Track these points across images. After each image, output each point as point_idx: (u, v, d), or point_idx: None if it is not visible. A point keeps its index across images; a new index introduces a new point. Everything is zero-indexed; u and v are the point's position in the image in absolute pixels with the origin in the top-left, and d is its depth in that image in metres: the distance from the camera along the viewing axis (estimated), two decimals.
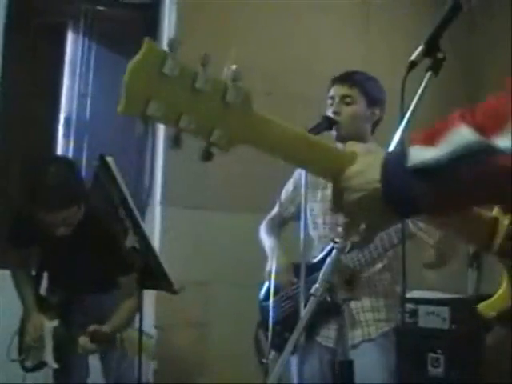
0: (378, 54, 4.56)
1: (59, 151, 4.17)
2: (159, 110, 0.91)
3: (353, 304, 2.61)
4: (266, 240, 2.93)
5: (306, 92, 3.98)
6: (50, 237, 2.83)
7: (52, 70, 4.22)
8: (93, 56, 4.28)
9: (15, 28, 4.03)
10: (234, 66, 0.97)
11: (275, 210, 2.97)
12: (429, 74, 1.49)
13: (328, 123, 2.63)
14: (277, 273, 2.68)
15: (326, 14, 4.51)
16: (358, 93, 2.69)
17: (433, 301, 3.69)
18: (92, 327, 2.82)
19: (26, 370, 3.05)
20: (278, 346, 2.53)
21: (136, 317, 2.71)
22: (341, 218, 2.50)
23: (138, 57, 0.92)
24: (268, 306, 2.85)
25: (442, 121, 1.01)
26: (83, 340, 2.81)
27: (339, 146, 2.78)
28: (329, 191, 2.86)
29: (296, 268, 2.72)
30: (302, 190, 2.54)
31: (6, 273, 3.23)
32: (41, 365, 3.02)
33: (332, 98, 2.71)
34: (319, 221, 2.78)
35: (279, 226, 2.95)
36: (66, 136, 4.21)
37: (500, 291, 1.36)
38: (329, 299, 2.50)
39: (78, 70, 4.27)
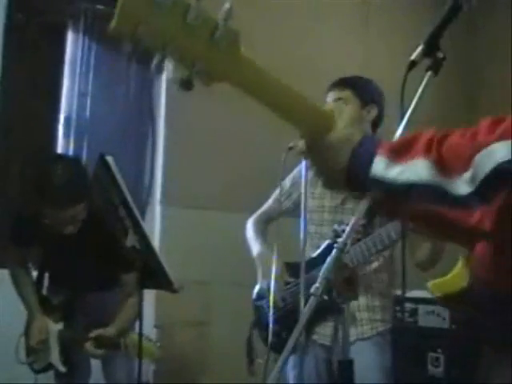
0: (377, 54, 4.57)
1: (59, 150, 4.16)
2: (147, 34, 0.93)
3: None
4: (254, 242, 2.96)
5: (307, 92, 3.97)
6: (56, 235, 2.84)
7: (52, 70, 4.22)
8: (93, 55, 4.28)
9: (15, 27, 4.03)
10: (227, 5, 0.98)
11: (264, 207, 3.00)
12: (429, 73, 1.50)
13: None
14: (275, 275, 2.69)
15: (326, 15, 4.52)
16: (350, 94, 2.73)
17: (433, 300, 3.68)
18: (96, 332, 2.82)
19: (36, 371, 3.04)
20: (275, 346, 2.52)
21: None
22: (339, 217, 2.50)
23: None
24: (261, 305, 2.86)
25: (412, 134, 1.04)
26: (89, 345, 2.81)
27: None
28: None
29: (288, 267, 2.74)
30: (302, 188, 2.54)
31: (6, 272, 3.23)
32: (49, 366, 3.01)
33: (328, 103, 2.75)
34: (315, 217, 2.80)
35: (266, 223, 2.98)
36: (66, 135, 4.21)
37: (453, 272, 1.37)
38: (329, 298, 2.50)
39: (77, 70, 4.26)
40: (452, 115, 4.79)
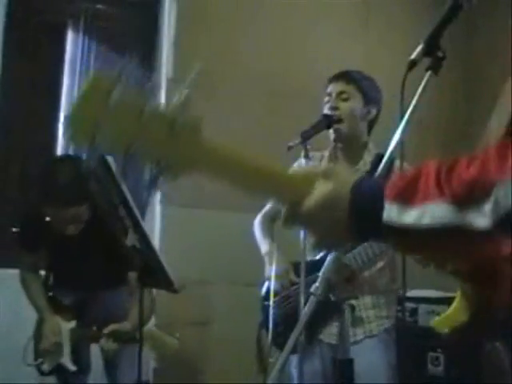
0: (377, 54, 4.57)
1: (59, 150, 4.16)
2: (107, 139, 0.92)
3: (354, 302, 2.62)
4: (262, 241, 2.94)
5: (306, 91, 3.98)
6: (60, 236, 2.85)
7: (52, 69, 4.22)
8: (93, 55, 4.28)
9: (15, 27, 4.03)
10: (185, 91, 0.96)
11: (267, 206, 2.99)
12: (429, 73, 1.49)
13: (327, 122, 2.64)
14: (277, 275, 2.69)
15: (326, 15, 4.51)
16: (354, 89, 2.72)
17: (433, 299, 3.69)
18: (112, 326, 2.85)
19: (44, 373, 3.04)
20: (282, 346, 2.53)
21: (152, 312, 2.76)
22: None
23: (84, 87, 0.93)
24: (269, 305, 2.86)
25: (416, 171, 0.99)
26: (104, 340, 2.83)
27: (338, 145, 2.79)
28: None
29: (296, 267, 2.72)
30: None
31: (6, 272, 3.23)
32: (58, 368, 3.01)
33: (329, 94, 2.74)
34: None
35: (272, 222, 2.96)
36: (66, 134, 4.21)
37: (453, 306, 1.36)
38: (331, 298, 2.51)
39: (77, 69, 4.26)
40: (452, 115, 4.79)
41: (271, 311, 2.64)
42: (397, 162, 2.02)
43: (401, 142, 1.50)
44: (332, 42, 4.51)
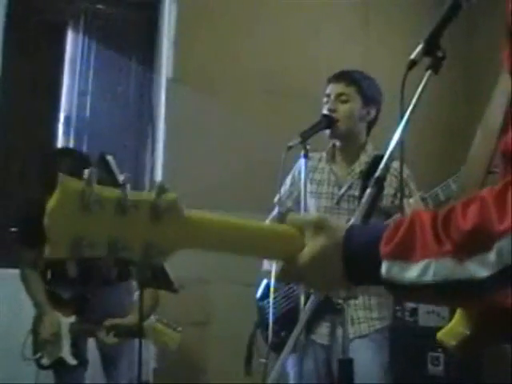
0: (377, 53, 4.56)
1: None
2: (88, 245, 0.89)
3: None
4: None
5: (306, 91, 3.98)
6: None
7: (52, 69, 4.23)
8: (92, 54, 4.29)
9: (15, 27, 4.03)
10: (158, 181, 0.95)
11: (274, 211, 2.98)
12: (428, 72, 1.49)
13: (326, 122, 2.64)
14: (276, 271, 2.68)
15: (326, 16, 4.51)
16: (353, 91, 2.70)
17: None
18: (114, 321, 2.85)
19: (43, 367, 3.05)
20: (275, 346, 2.52)
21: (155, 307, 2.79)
22: (335, 217, 2.49)
23: (55, 196, 0.90)
24: (265, 305, 2.86)
25: (409, 223, 0.97)
26: (104, 334, 2.85)
27: (336, 142, 2.79)
28: (325, 188, 2.86)
29: None
30: (302, 188, 2.54)
31: (7, 272, 3.23)
32: (58, 362, 3.02)
33: (328, 95, 2.73)
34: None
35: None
36: (66, 134, 4.22)
37: (455, 318, 1.35)
38: (326, 298, 2.50)
39: (77, 69, 4.27)
40: (452, 115, 4.79)
41: (271, 310, 2.63)
42: (395, 164, 2.03)
43: (401, 142, 1.49)
44: (332, 42, 4.51)
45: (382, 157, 1.49)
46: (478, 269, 0.90)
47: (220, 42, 4.27)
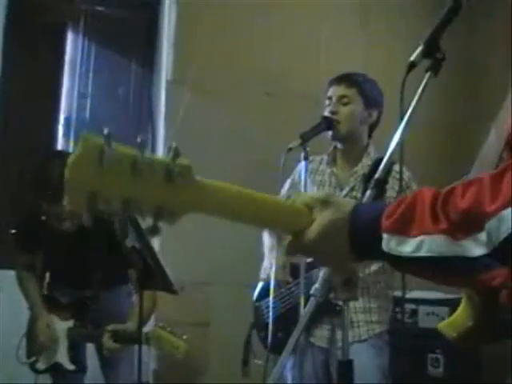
0: (377, 55, 4.57)
1: None
2: (104, 200, 0.93)
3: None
4: (266, 239, 2.93)
5: (307, 92, 3.98)
6: (57, 234, 2.84)
7: (52, 70, 4.23)
8: (92, 56, 4.29)
9: (15, 28, 4.03)
10: (173, 144, 0.96)
11: None
12: (428, 74, 1.49)
13: (327, 123, 2.64)
14: (276, 270, 2.67)
15: (326, 17, 4.51)
16: (355, 93, 2.70)
17: (432, 301, 3.69)
18: (115, 327, 2.84)
19: (38, 372, 3.03)
20: (272, 347, 2.51)
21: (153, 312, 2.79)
22: None
23: (75, 152, 0.94)
24: (261, 306, 2.85)
25: (412, 199, 1.01)
26: (105, 340, 2.82)
27: (337, 145, 2.79)
28: (326, 189, 2.86)
29: (292, 268, 2.72)
30: (302, 188, 2.54)
31: (6, 273, 3.23)
32: (53, 366, 3.00)
33: (330, 98, 2.72)
34: None
35: None
36: (66, 135, 4.22)
37: (458, 310, 1.36)
38: (331, 299, 2.50)
39: (77, 70, 4.27)
40: (451, 116, 4.79)
41: (271, 309, 2.62)
42: (397, 167, 2.03)
43: (401, 143, 1.49)
44: (332, 44, 4.51)
45: (383, 159, 1.49)
46: (472, 248, 0.94)
47: (220, 43, 4.27)
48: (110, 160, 0.93)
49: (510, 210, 0.90)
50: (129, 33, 4.36)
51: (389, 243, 1.01)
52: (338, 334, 2.56)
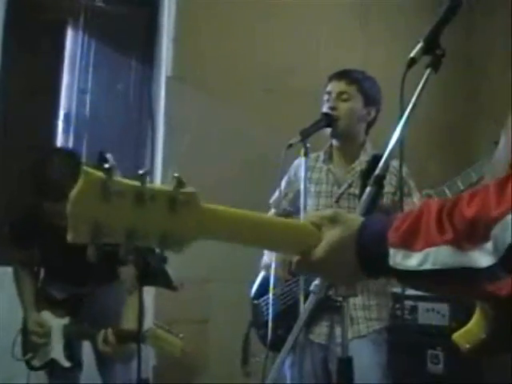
0: (377, 53, 4.56)
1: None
2: (107, 232, 0.93)
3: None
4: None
5: (306, 89, 3.98)
6: (54, 231, 2.84)
7: (52, 67, 4.22)
8: (92, 52, 4.28)
9: (15, 24, 4.02)
10: (175, 175, 0.96)
11: (272, 210, 2.96)
12: (428, 70, 1.49)
13: (327, 120, 2.63)
14: (275, 266, 2.67)
15: (325, 16, 4.51)
16: (355, 90, 2.70)
17: (432, 298, 3.69)
18: (114, 327, 2.82)
19: (33, 368, 3.02)
20: (272, 344, 2.51)
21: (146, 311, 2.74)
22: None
23: (78, 186, 0.93)
24: (259, 304, 2.85)
25: (418, 211, 1.00)
26: (100, 342, 2.81)
27: (334, 142, 2.79)
28: (323, 186, 2.85)
29: (291, 265, 2.70)
30: (301, 188, 2.54)
31: (6, 270, 3.23)
32: (49, 363, 2.99)
33: (329, 93, 2.72)
34: None
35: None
36: (66, 132, 4.21)
37: (472, 321, 1.35)
38: (331, 296, 2.50)
39: (77, 67, 4.26)
40: (451, 114, 4.78)
41: (271, 306, 2.62)
42: (395, 162, 2.02)
43: (400, 141, 1.49)
44: (332, 42, 4.51)
45: (380, 156, 1.49)
46: (479, 258, 0.92)
47: (220, 39, 4.26)
48: (113, 193, 0.93)
49: None
50: (129, 29, 4.36)
51: (395, 258, 0.99)
52: (337, 331, 2.57)
